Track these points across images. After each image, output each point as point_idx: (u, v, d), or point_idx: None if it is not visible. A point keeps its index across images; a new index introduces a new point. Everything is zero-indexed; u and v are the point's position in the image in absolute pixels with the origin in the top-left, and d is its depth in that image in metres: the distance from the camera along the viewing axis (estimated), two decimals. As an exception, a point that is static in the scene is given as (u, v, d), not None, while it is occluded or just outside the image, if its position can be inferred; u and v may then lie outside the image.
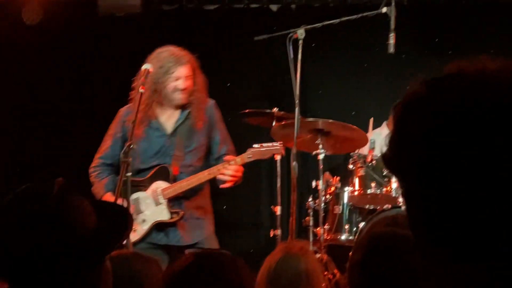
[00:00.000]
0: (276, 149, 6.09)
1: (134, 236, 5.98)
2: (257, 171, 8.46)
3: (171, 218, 6.01)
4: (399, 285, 2.25)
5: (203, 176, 6.01)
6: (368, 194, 6.72)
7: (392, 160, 1.26)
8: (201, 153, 6.15)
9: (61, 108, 8.43)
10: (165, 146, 6.09)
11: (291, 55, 6.15)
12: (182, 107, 6.12)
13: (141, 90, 5.62)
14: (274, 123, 6.99)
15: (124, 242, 5.27)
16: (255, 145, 6.06)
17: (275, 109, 7.12)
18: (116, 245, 2.08)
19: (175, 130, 6.09)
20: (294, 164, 6.15)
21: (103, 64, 8.39)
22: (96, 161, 6.24)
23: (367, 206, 6.90)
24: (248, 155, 6.02)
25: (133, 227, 5.94)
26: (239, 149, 8.52)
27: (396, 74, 8.12)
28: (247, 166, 8.44)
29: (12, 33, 8.38)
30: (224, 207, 8.50)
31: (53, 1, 8.46)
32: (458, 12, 8.35)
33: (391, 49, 6.25)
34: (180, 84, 6.00)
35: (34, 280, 1.90)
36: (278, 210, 7.19)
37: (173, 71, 5.98)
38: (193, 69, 6.08)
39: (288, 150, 6.82)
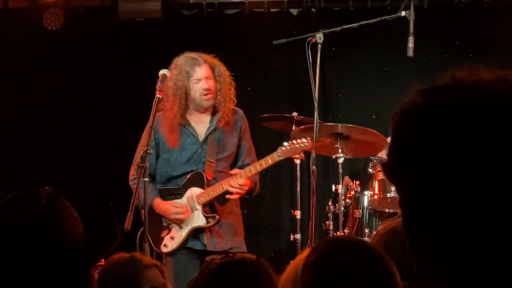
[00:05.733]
0: (305, 146, 6.00)
1: (172, 244, 6.02)
2: (278, 175, 8.46)
3: (208, 223, 6.02)
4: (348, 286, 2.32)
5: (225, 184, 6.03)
6: (388, 198, 6.70)
7: (391, 169, 1.30)
8: (231, 160, 6.18)
9: (82, 112, 8.47)
10: (197, 153, 6.10)
11: (310, 59, 6.13)
12: (212, 112, 6.15)
13: (157, 95, 5.65)
14: (293, 127, 6.99)
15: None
16: (285, 144, 6.02)
17: (295, 113, 7.12)
18: (102, 256, 2.08)
19: (206, 138, 6.10)
20: (313, 168, 6.14)
21: (124, 68, 8.42)
22: (133, 172, 6.13)
23: (387, 210, 6.88)
24: (278, 154, 5.98)
25: (172, 235, 6.04)
26: (259, 153, 8.55)
27: (417, 77, 8.09)
28: (267, 170, 8.50)
29: (33, 39, 8.43)
30: (245, 211, 8.50)
31: (74, 6, 8.52)
32: (478, 15, 8.31)
33: (410, 53, 6.23)
34: (203, 85, 6.02)
35: None
36: (298, 214, 7.19)
37: (192, 73, 6.03)
38: (212, 69, 6.10)
39: (308, 154, 6.82)
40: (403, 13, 6.22)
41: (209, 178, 6.04)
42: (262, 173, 8.43)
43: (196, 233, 6.04)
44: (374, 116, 8.26)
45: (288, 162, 7.81)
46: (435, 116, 1.23)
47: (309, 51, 6.17)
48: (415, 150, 1.24)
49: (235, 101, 6.24)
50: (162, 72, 5.85)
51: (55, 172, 8.36)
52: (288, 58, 8.23)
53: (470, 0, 8.30)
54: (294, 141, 6.00)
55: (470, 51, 8.29)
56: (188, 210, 6.02)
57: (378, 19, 6.40)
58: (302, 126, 6.78)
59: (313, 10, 8.50)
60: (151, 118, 5.63)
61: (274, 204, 8.57)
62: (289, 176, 8.23)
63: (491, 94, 1.21)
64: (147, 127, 5.88)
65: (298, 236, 7.12)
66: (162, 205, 6.08)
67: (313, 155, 6.14)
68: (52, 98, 8.51)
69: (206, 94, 6.03)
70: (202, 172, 6.02)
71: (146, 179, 5.37)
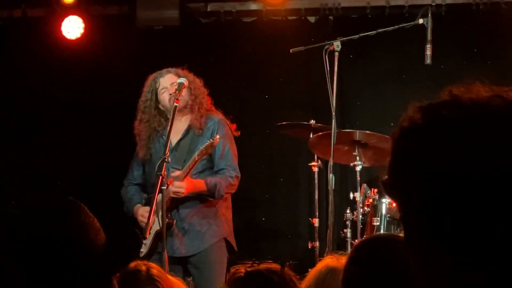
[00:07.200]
0: (211, 142, 5.91)
1: (144, 249, 6.08)
2: (295, 183, 8.46)
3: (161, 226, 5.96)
4: (388, 282, 2.34)
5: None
6: (407, 206, 6.67)
7: (392, 186, 1.34)
8: (202, 166, 6.20)
9: (101, 121, 8.50)
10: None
11: (328, 66, 6.14)
12: (188, 122, 6.25)
13: (175, 103, 5.76)
14: (311, 135, 6.99)
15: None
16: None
17: (312, 121, 7.12)
18: (125, 265, 2.08)
19: (177, 144, 6.21)
20: (331, 176, 6.14)
21: (142, 76, 8.44)
22: (123, 182, 6.60)
23: (405, 218, 6.85)
24: (198, 154, 5.95)
25: (145, 241, 6.10)
26: (276, 160, 8.54)
27: (435, 85, 8.07)
28: (285, 178, 8.49)
29: (52, 47, 8.47)
30: (263, 218, 8.51)
31: (92, 14, 8.56)
32: (496, 22, 8.27)
33: (428, 60, 6.24)
34: (169, 91, 6.18)
35: None
36: (316, 222, 7.21)
37: (157, 86, 6.27)
38: (179, 76, 6.22)
39: (325, 162, 6.82)
40: (420, 21, 6.23)
41: (170, 184, 5.97)
42: (280, 180, 8.47)
43: (161, 237, 5.95)
44: (392, 124, 8.24)
45: (305, 170, 7.83)
46: (435, 133, 1.28)
47: (327, 59, 6.18)
48: (416, 166, 1.28)
49: (208, 107, 6.36)
50: (179, 80, 5.95)
51: (75, 179, 8.38)
52: (305, 66, 8.22)
53: (488, 7, 8.26)
54: (207, 142, 5.97)
55: (488, 58, 8.26)
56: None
57: (396, 26, 6.41)
58: (320, 133, 6.77)
59: (331, 17, 8.49)
60: (169, 126, 5.70)
61: (292, 212, 8.56)
62: (307, 184, 8.21)
63: (488, 110, 1.27)
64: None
65: (316, 244, 7.12)
66: (138, 211, 6.29)
67: (330, 162, 6.15)
68: (71, 106, 8.55)
69: (171, 99, 6.12)
70: (163, 176, 5.86)
71: (164, 187, 5.47)
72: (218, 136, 5.93)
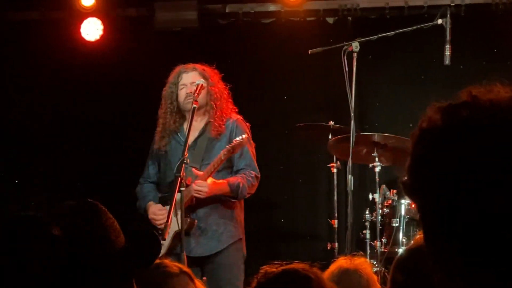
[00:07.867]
0: (240, 141, 5.87)
1: (162, 250, 5.91)
2: (315, 184, 8.45)
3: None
4: None
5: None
6: (426, 206, 6.65)
7: (411, 187, 1.35)
8: (220, 166, 6.10)
9: (120, 122, 8.52)
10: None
11: (346, 67, 6.13)
12: (205, 122, 6.22)
13: (193, 105, 5.76)
14: (330, 136, 6.99)
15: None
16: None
17: (331, 122, 7.12)
18: (145, 267, 2.08)
19: (195, 142, 6.14)
20: (350, 177, 6.14)
21: (160, 78, 8.46)
22: (140, 180, 6.54)
23: (424, 219, 6.83)
24: (224, 153, 5.88)
25: (163, 242, 5.90)
26: (297, 162, 8.53)
27: (454, 85, 8.03)
28: (304, 179, 8.47)
29: (71, 48, 8.50)
30: (282, 220, 8.51)
31: (111, 16, 8.58)
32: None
33: (447, 61, 6.23)
34: (186, 90, 6.17)
35: None
36: (335, 223, 7.20)
37: (179, 81, 6.23)
38: (203, 77, 6.18)
39: (344, 163, 6.81)
40: (439, 21, 6.22)
41: (189, 183, 5.94)
42: (299, 181, 8.47)
43: (180, 237, 5.87)
44: (411, 124, 8.21)
45: (324, 171, 7.82)
46: (451, 134, 1.29)
47: (345, 60, 6.17)
48: (432, 167, 1.29)
49: (229, 111, 6.29)
50: (198, 82, 5.95)
51: (95, 182, 8.41)
52: (324, 67, 8.21)
53: (507, 7, 8.23)
54: (233, 141, 5.91)
55: (508, 58, 8.22)
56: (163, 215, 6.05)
57: (415, 27, 6.40)
58: (339, 136, 6.77)
59: (350, 18, 8.47)
60: (187, 128, 5.70)
61: (311, 213, 8.55)
62: (326, 185, 8.21)
63: (505, 111, 1.27)
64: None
65: (335, 245, 7.12)
66: (150, 208, 6.23)
67: (349, 164, 6.15)
68: (89, 107, 8.57)
69: (188, 98, 6.11)
70: (182, 177, 5.77)
71: (183, 188, 5.45)
72: (246, 136, 5.91)
